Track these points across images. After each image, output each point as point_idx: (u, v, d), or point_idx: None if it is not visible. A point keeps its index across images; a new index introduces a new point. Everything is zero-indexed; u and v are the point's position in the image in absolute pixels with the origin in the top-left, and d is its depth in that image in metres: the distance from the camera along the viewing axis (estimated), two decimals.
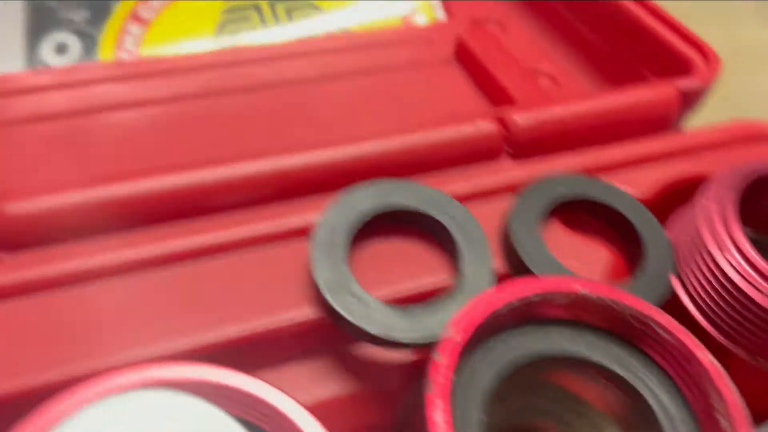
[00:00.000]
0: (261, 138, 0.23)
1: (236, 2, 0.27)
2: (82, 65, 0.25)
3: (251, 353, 0.15)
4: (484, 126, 0.18)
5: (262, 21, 0.27)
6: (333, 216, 0.16)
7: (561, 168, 0.18)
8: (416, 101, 0.26)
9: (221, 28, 0.27)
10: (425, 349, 0.15)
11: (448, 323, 0.13)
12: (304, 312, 0.15)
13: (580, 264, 0.16)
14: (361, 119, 0.24)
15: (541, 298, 0.14)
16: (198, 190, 0.16)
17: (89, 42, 0.25)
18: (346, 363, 0.16)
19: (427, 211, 0.16)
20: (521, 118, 0.18)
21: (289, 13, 0.28)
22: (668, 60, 0.24)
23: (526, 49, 0.28)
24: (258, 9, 0.27)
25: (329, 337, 0.15)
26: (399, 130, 0.18)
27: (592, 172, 0.18)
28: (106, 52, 0.26)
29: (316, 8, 0.28)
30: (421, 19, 0.29)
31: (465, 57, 0.27)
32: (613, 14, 0.26)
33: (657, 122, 0.20)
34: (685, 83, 0.21)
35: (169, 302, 0.15)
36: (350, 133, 0.23)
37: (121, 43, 0.26)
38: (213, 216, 0.16)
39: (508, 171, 0.18)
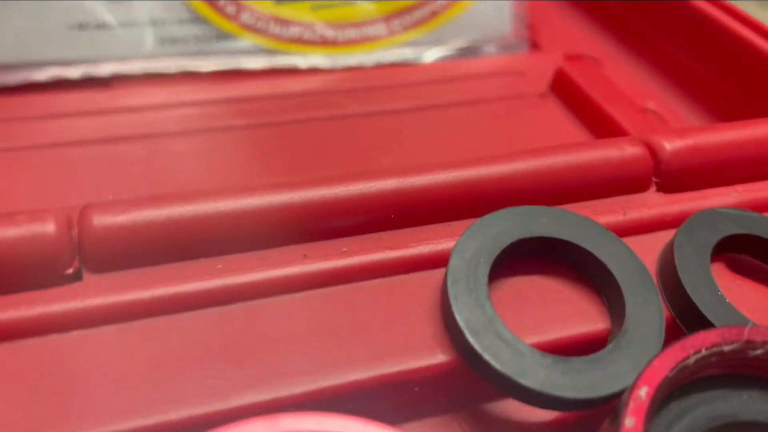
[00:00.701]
0: (352, 167, 0.21)
1: None
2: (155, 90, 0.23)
3: (371, 404, 0.12)
4: (630, 150, 0.16)
5: None
6: (471, 243, 0.13)
7: (716, 203, 0.16)
8: (514, 133, 0.24)
9: None
10: (585, 408, 0.12)
11: (636, 380, 0.11)
12: (437, 357, 0.12)
13: (753, 312, 0.14)
14: (456, 150, 0.22)
15: (735, 348, 0.12)
16: (314, 211, 0.13)
17: None
18: (481, 421, 0.13)
19: (579, 242, 0.14)
20: (671, 144, 0.16)
21: None
22: None
23: (625, 83, 0.26)
24: None
25: (464, 388, 0.13)
26: (534, 152, 0.15)
27: (753, 208, 0.16)
28: None
29: None
30: None
31: (564, 89, 0.25)
32: (726, 45, 0.24)
33: None
34: None
35: (279, 339, 0.12)
36: None
37: None
38: (330, 241, 0.14)
39: (659, 204, 0.15)
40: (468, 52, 0.27)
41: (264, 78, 0.25)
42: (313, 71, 0.25)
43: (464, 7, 0.27)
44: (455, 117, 0.24)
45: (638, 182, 0.16)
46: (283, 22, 0.25)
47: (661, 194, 0.16)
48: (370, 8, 0.26)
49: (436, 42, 0.27)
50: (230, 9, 0.24)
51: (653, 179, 0.16)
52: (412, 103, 0.24)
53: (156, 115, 0.22)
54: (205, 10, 0.24)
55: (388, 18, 0.26)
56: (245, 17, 0.24)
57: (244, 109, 0.23)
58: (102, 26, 0.23)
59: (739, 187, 0.17)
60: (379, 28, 0.26)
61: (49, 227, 0.12)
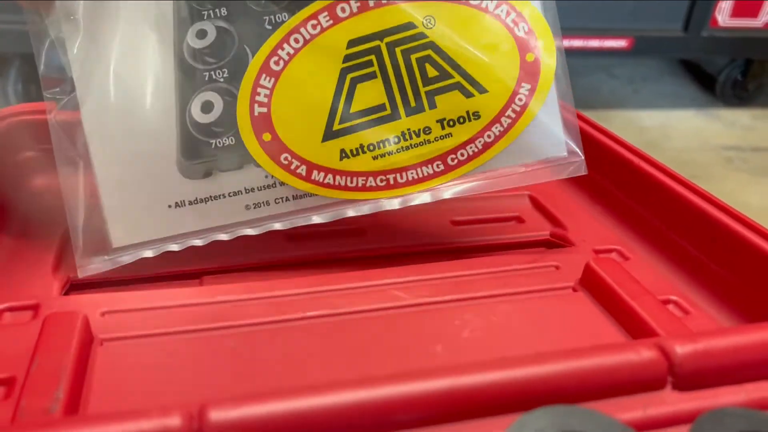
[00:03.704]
0: (405, 357, 0.24)
1: (357, 48, 0.28)
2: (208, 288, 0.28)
3: None
4: (646, 354, 0.18)
5: (381, 66, 0.28)
6: None
7: (730, 402, 0.18)
8: (549, 323, 0.27)
9: (343, 74, 0.28)
10: None
11: None
12: None
13: None
14: (497, 339, 0.25)
15: None
16: (393, 405, 0.16)
17: (229, 98, 0.28)
18: None
19: None
20: (682, 349, 0.19)
21: (407, 56, 0.28)
22: None
23: (649, 276, 0.29)
24: (378, 52, 0.28)
25: None
26: (562, 354, 0.18)
27: (762, 407, 0.18)
28: (243, 106, 0.28)
29: (435, 48, 0.28)
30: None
31: (593, 284, 0.28)
32: (738, 246, 0.27)
33: None
34: None
35: None
36: (488, 355, 0.24)
37: (255, 96, 0.28)
38: None
39: (675, 402, 0.18)
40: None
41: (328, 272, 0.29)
42: (371, 271, 0.29)
43: (517, 134, 0.29)
44: (496, 308, 0.27)
45: (655, 382, 0.18)
46: (350, 174, 0.28)
47: (677, 392, 0.19)
48: (423, 151, 0.29)
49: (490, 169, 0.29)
50: (301, 170, 0.28)
51: (669, 378, 0.19)
52: (458, 294, 0.28)
53: (240, 307, 0.26)
54: (282, 174, 0.28)
55: (443, 156, 0.29)
56: (315, 176, 0.28)
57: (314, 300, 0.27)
58: (194, 202, 0.28)
59: (749, 386, 0.19)
60: (438, 166, 0.29)
61: (176, 421, 0.16)
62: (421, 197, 0.29)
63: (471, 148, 0.29)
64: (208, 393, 0.22)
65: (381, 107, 0.28)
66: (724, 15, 1.28)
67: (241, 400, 0.16)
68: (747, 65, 1.41)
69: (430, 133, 0.29)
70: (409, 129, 0.29)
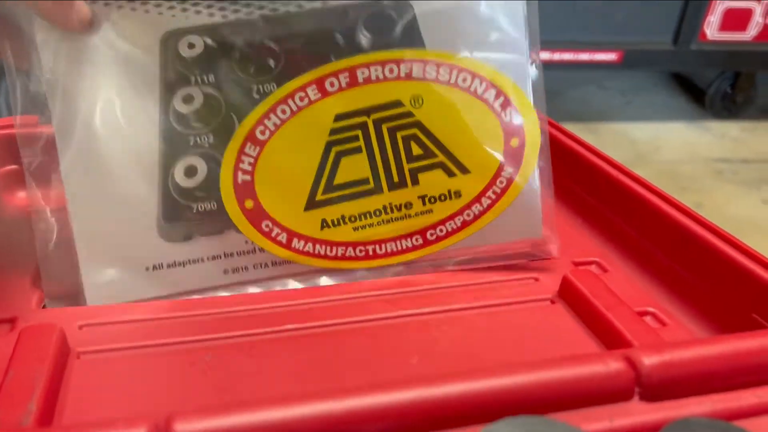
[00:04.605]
0: (380, 369, 0.24)
1: (343, 122, 0.28)
2: (215, 298, 0.28)
3: None
4: (613, 365, 0.19)
5: (366, 141, 0.28)
6: None
7: (696, 412, 0.18)
8: (525, 335, 0.27)
9: (328, 147, 0.28)
10: None
11: None
12: None
13: None
14: (474, 351, 0.25)
15: None
16: (340, 419, 0.17)
17: (213, 164, 0.28)
18: None
19: None
20: (649, 360, 0.19)
21: (393, 133, 0.29)
22: None
23: (627, 287, 0.29)
24: (364, 127, 0.28)
25: None
26: (528, 365, 0.19)
27: (726, 417, 0.18)
28: (227, 173, 0.28)
29: (421, 127, 0.29)
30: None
31: (571, 295, 0.28)
32: (715, 260, 0.28)
33: None
34: None
35: None
36: (465, 366, 0.25)
37: (239, 164, 0.28)
38: None
39: (642, 412, 0.18)
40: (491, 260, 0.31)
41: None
42: (350, 283, 0.29)
43: (495, 215, 0.30)
44: (474, 319, 0.28)
45: (622, 392, 0.19)
46: (329, 244, 0.29)
47: (644, 403, 0.19)
48: (403, 225, 0.30)
49: (466, 247, 0.30)
50: (281, 237, 0.28)
51: (636, 389, 0.19)
52: (436, 306, 0.28)
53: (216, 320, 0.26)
54: (262, 241, 0.28)
55: (422, 231, 0.30)
56: (295, 244, 0.29)
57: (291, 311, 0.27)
58: (172, 265, 0.28)
59: (715, 397, 0.19)
60: (417, 240, 0.30)
61: None
62: (395, 269, 0.30)
63: (450, 225, 0.30)
64: (183, 407, 0.22)
65: (364, 181, 0.29)
66: (712, 28, 1.29)
67: (207, 412, 0.16)
68: (735, 78, 1.43)
69: (411, 208, 0.29)
70: (390, 203, 0.29)
